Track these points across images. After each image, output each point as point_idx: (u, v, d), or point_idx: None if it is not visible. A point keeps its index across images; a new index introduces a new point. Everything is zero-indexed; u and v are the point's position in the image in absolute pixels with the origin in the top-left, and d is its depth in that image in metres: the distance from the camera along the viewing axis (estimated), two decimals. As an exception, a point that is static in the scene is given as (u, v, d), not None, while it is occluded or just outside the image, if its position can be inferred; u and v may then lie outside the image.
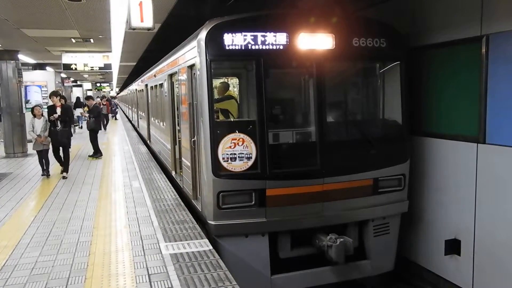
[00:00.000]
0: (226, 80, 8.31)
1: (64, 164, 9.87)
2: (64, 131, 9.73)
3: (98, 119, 12.89)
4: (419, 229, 6.80)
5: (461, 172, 5.94)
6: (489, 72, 5.42)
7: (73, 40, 11.57)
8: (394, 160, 6.29)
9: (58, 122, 9.65)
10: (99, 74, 25.96)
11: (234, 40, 5.50)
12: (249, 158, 5.53)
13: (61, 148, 9.96)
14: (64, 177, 9.53)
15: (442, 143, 6.28)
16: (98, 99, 27.65)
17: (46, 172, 9.81)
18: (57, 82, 17.79)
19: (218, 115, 6.56)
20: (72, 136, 10.60)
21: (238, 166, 5.52)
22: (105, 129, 22.02)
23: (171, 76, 8.83)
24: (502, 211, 5.34)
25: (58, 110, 9.76)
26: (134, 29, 6.08)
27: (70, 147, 10.09)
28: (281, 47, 5.65)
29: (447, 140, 6.17)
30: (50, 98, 10.09)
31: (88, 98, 14.90)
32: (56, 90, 13.07)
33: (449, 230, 6.20)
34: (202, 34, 5.58)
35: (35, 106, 10.08)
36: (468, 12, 5.68)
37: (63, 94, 20.02)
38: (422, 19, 6.55)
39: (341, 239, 5.64)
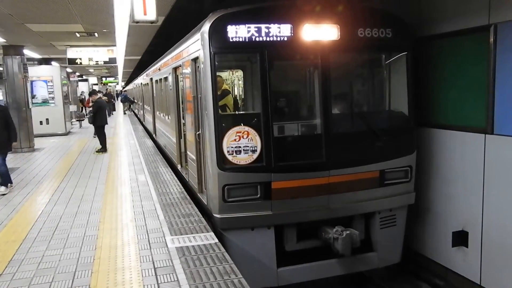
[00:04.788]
0: (228, 73, 8.26)
1: None
2: None
3: (99, 114, 12.87)
4: (426, 221, 6.76)
5: (469, 163, 5.88)
6: (497, 62, 5.34)
7: (78, 35, 11.56)
8: (401, 151, 6.24)
9: None
10: (104, 68, 26.00)
11: (237, 32, 5.45)
12: (254, 151, 5.51)
13: None
14: None
15: (449, 134, 6.21)
16: (100, 94, 27.80)
17: None
18: (62, 76, 17.82)
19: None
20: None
21: (243, 159, 5.50)
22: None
23: (175, 69, 8.80)
24: (510, 202, 5.28)
25: None
26: (137, 22, 6.05)
27: None
28: (286, 38, 5.59)
29: (455, 131, 6.10)
30: None
31: (91, 93, 14.98)
32: None
33: (456, 221, 6.15)
34: (206, 27, 5.54)
35: None
36: (475, 0, 5.58)
37: (70, 87, 19.90)
38: (429, 8, 6.45)
39: (348, 232, 5.62)
